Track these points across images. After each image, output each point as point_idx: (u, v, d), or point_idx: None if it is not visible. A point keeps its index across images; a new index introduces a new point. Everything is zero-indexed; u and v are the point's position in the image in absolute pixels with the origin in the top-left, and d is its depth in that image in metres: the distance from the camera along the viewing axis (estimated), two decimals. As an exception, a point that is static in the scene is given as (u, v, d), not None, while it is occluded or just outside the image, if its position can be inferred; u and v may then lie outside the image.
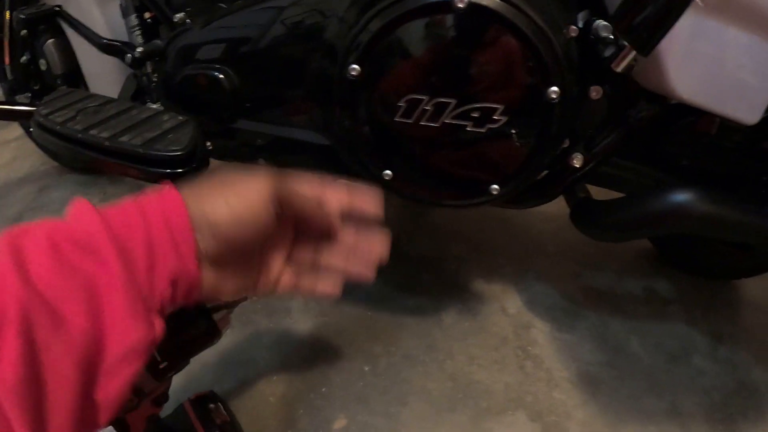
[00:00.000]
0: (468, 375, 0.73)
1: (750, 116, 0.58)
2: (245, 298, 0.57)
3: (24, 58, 1.03)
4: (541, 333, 0.80)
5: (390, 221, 1.02)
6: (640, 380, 0.74)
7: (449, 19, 0.51)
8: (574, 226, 0.70)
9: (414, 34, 0.52)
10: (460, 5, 0.50)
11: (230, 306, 0.57)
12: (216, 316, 0.54)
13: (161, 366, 0.51)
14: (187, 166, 0.61)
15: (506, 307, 0.84)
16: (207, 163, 0.65)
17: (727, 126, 0.68)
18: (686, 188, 0.61)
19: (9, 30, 1.00)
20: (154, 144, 0.61)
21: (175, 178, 0.61)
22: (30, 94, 1.07)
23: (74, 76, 1.01)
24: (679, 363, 0.77)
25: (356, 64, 0.54)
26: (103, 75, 0.94)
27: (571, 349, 0.77)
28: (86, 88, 1.01)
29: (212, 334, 0.53)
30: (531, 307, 0.84)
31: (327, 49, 0.59)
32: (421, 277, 0.90)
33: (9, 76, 1.05)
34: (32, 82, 1.06)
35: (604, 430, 0.68)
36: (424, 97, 0.53)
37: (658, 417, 0.70)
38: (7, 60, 1.03)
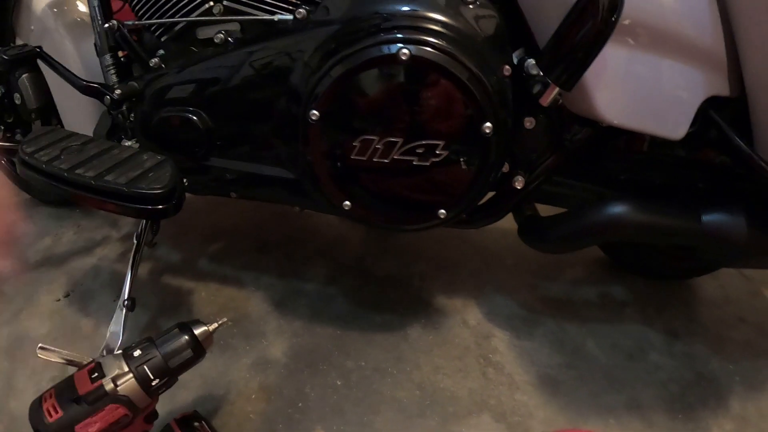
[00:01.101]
0: (434, 383, 0.86)
1: (676, 133, 0.71)
2: (225, 320, 0.71)
3: (-2, 91, 1.14)
4: (501, 341, 0.93)
5: (357, 245, 1.17)
6: (599, 378, 0.86)
7: (395, 69, 0.66)
8: (522, 241, 0.84)
9: (366, 82, 0.67)
10: (404, 57, 0.65)
11: (210, 324, 0.69)
12: (200, 336, 0.67)
13: (153, 383, 0.63)
14: (168, 203, 0.74)
15: (467, 319, 0.98)
16: (183, 199, 0.78)
17: (658, 141, 0.81)
18: (621, 201, 0.75)
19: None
20: (138, 182, 0.73)
21: (156, 214, 0.74)
22: (2, 128, 1.19)
23: (48, 110, 1.13)
24: (637, 360, 0.89)
25: (315, 110, 0.68)
26: (78, 111, 1.06)
27: (530, 355, 0.91)
28: (60, 122, 1.13)
29: (198, 353, 0.66)
30: (491, 318, 0.98)
31: (292, 92, 0.73)
32: (387, 295, 1.03)
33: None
34: (6, 115, 1.17)
35: (566, 426, 0.80)
36: (375, 137, 0.67)
37: (618, 411, 0.82)
38: (-20, 93, 1.14)
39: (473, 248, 1.15)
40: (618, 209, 0.75)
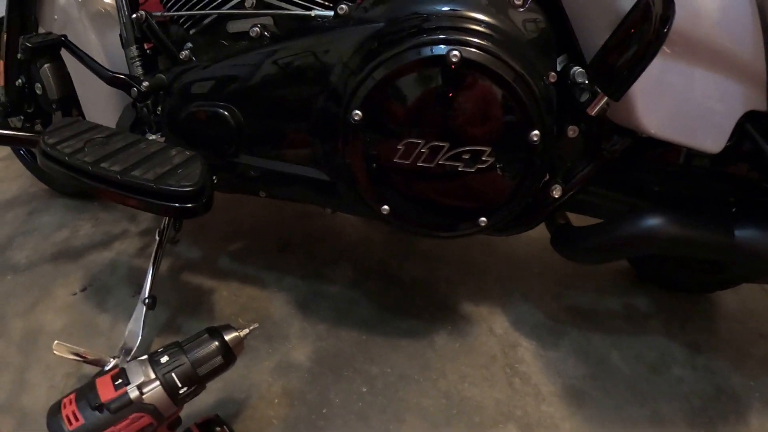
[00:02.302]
0: (460, 392, 0.81)
1: (714, 146, 0.68)
2: (257, 326, 0.65)
3: (19, 81, 1.07)
4: (527, 351, 0.88)
5: (381, 247, 1.11)
6: (622, 391, 0.82)
7: (444, 72, 0.60)
8: (554, 250, 0.79)
9: (412, 84, 0.61)
10: (454, 59, 0.59)
11: (241, 329, 0.63)
12: (230, 342, 0.61)
13: (180, 392, 0.57)
14: (197, 201, 0.67)
15: (494, 327, 0.92)
16: (213, 198, 0.71)
17: (694, 154, 0.77)
18: (655, 213, 0.71)
19: (5, 52, 1.05)
20: (166, 179, 0.66)
21: (185, 213, 0.67)
22: (23, 117, 1.12)
23: (70, 101, 1.06)
24: (659, 373, 0.85)
25: (359, 110, 0.62)
26: (100, 102, 0.99)
27: (556, 365, 0.86)
28: (81, 114, 1.06)
29: (229, 360, 0.60)
30: (517, 326, 0.92)
31: (331, 91, 0.67)
32: (413, 301, 0.97)
33: (2, 98, 1.09)
34: (26, 105, 1.10)
35: None
36: (420, 141, 0.61)
37: (641, 424, 0.78)
38: (1, 82, 1.07)
39: (499, 254, 1.09)
40: (652, 222, 0.71)
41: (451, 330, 0.91)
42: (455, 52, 0.58)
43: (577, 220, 0.80)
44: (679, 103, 0.66)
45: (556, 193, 0.73)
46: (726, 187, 0.80)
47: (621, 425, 0.78)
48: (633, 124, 0.67)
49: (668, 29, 0.57)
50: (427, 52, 0.60)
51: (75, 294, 0.98)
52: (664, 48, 0.62)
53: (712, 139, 0.67)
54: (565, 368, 0.86)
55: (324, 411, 0.77)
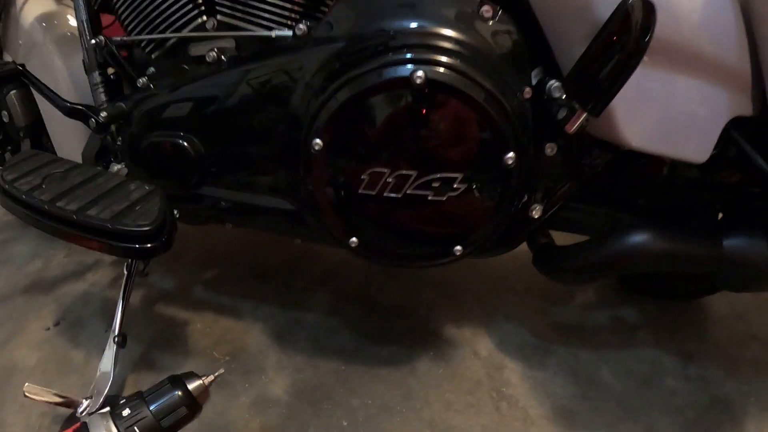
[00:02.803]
0: (446, 421, 0.76)
1: (699, 156, 0.64)
2: (222, 372, 0.60)
3: (-15, 110, 1.02)
4: (513, 373, 0.83)
5: (360, 271, 1.06)
6: (614, 408, 0.78)
7: (407, 94, 0.55)
8: (538, 271, 0.74)
9: (374, 108, 0.56)
10: (418, 81, 0.54)
11: (205, 377, 0.58)
12: (194, 391, 0.56)
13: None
14: (156, 240, 0.62)
15: (478, 350, 0.87)
16: (175, 232, 0.66)
17: (678, 164, 0.73)
18: (640, 229, 0.66)
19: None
20: (123, 218, 0.61)
21: (143, 253, 0.62)
22: (-9, 147, 1.06)
23: (38, 128, 1.01)
24: (652, 386, 0.81)
25: (319, 138, 0.57)
26: (68, 130, 0.93)
27: (544, 386, 0.81)
28: (49, 140, 1.01)
29: (193, 410, 0.55)
30: (502, 347, 0.88)
31: (291, 117, 0.62)
32: (393, 326, 0.92)
33: (-32, 128, 1.04)
34: (-7, 134, 1.05)
35: None
36: (386, 170, 0.56)
37: None
38: (-34, 111, 1.02)
39: (480, 273, 1.04)
40: (637, 239, 0.66)
41: (434, 355, 0.86)
42: (419, 73, 0.53)
43: (561, 236, 0.75)
44: (662, 113, 0.61)
45: (536, 213, 0.69)
46: (713, 195, 0.76)
47: (614, 444, 0.73)
48: (614, 138, 0.62)
49: (649, 38, 0.52)
50: (389, 73, 0.54)
51: (48, 329, 0.93)
52: (646, 58, 0.58)
53: (698, 149, 0.63)
54: (553, 388, 0.81)
55: (304, 447, 0.73)
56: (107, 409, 0.56)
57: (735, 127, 0.64)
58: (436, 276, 1.03)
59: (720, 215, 0.78)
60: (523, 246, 0.76)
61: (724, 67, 0.60)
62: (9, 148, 1.09)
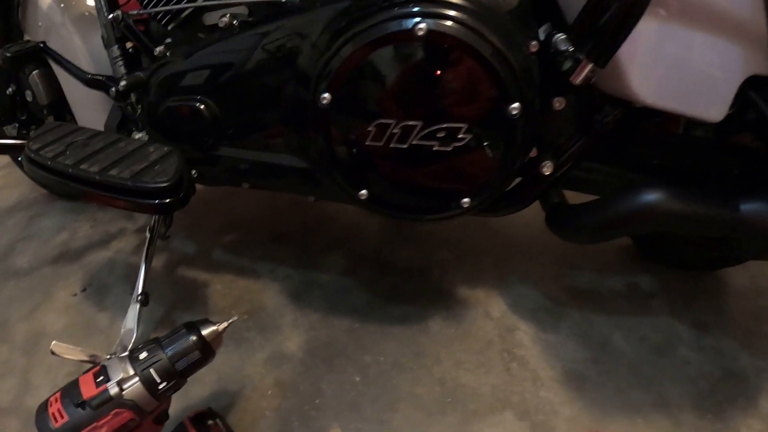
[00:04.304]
0: (455, 379, 0.79)
1: (715, 114, 0.63)
2: (236, 319, 0.64)
3: (9, 89, 1.09)
4: (525, 335, 0.85)
5: (375, 233, 1.09)
6: (625, 374, 0.79)
7: (410, 46, 0.58)
8: (549, 230, 0.76)
9: (379, 62, 0.59)
10: (420, 33, 0.56)
11: (219, 323, 0.63)
12: (207, 337, 0.60)
13: (159, 387, 0.57)
14: (173, 196, 0.66)
15: (490, 311, 0.90)
16: (193, 191, 0.71)
17: (694, 123, 0.73)
18: (654, 188, 0.66)
19: (-7, 62, 1.06)
20: (142, 176, 0.66)
21: (162, 208, 0.67)
22: (17, 124, 1.14)
23: (60, 105, 1.07)
24: (665, 355, 0.81)
25: (327, 92, 0.60)
26: (89, 104, 1.00)
27: (555, 349, 0.83)
28: (72, 116, 1.07)
29: (206, 354, 0.59)
30: (515, 309, 0.90)
31: (300, 76, 0.65)
32: (406, 286, 0.95)
33: (-5, 108, 1.11)
34: (19, 112, 1.12)
35: (592, 425, 0.73)
36: (391, 121, 0.59)
37: (646, 409, 0.74)
38: (-7, 92, 1.09)
39: (496, 236, 1.06)
40: (651, 197, 0.66)
41: (446, 315, 0.89)
42: (421, 25, 0.55)
43: (573, 197, 0.76)
44: (676, 69, 0.61)
45: (547, 170, 0.70)
46: (729, 158, 0.75)
47: (624, 410, 0.74)
48: (626, 94, 0.63)
49: None
50: (393, 26, 0.57)
51: (75, 295, 1.00)
52: (658, 10, 0.58)
53: (713, 107, 0.63)
54: (565, 352, 0.83)
55: (317, 402, 0.77)
56: (126, 353, 0.61)
57: (752, 86, 0.63)
58: (450, 238, 1.06)
59: (738, 179, 0.77)
60: (538, 211, 0.77)
61: (740, 22, 0.60)
62: (33, 126, 1.16)
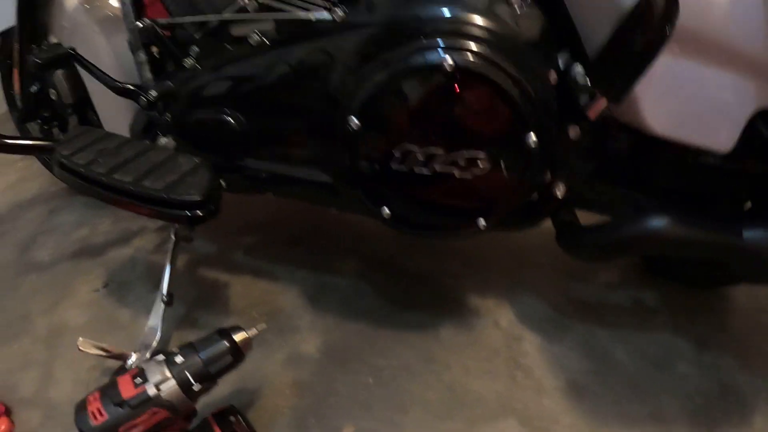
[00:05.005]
0: (464, 385, 0.85)
1: (723, 145, 0.68)
2: (265, 327, 0.70)
3: (33, 87, 1.13)
4: (531, 345, 0.91)
5: (389, 240, 1.15)
6: (624, 387, 0.84)
7: (438, 78, 0.62)
8: (560, 247, 0.81)
9: (407, 91, 0.63)
10: (448, 67, 0.61)
11: (249, 330, 0.69)
12: (239, 342, 0.66)
13: (194, 388, 0.63)
14: (205, 209, 0.72)
15: (499, 320, 0.96)
16: (220, 204, 0.76)
17: (703, 151, 0.78)
18: (661, 213, 0.71)
19: (19, 59, 1.10)
20: (175, 188, 0.71)
21: (193, 220, 0.72)
22: (40, 121, 1.18)
23: (84, 105, 1.11)
24: (664, 369, 0.87)
25: (356, 116, 0.65)
26: (114, 106, 1.03)
27: (559, 359, 0.89)
28: (96, 117, 1.11)
29: (238, 358, 0.66)
30: (522, 320, 0.96)
31: (329, 96, 0.70)
32: (419, 293, 1.01)
33: (19, 104, 1.15)
34: (42, 110, 1.16)
35: None
36: (415, 148, 0.64)
37: (642, 421, 0.80)
38: (17, 89, 1.13)
39: (506, 247, 1.12)
40: (658, 223, 0.70)
41: (456, 323, 0.95)
42: (449, 60, 0.60)
43: (583, 215, 0.81)
44: (687, 101, 0.66)
45: (559, 192, 0.75)
46: (736, 184, 0.79)
47: (620, 421, 0.80)
48: (639, 123, 0.67)
49: (671, 28, 0.57)
50: (421, 58, 0.62)
51: (97, 290, 1.06)
52: (672, 45, 0.62)
53: (722, 139, 0.67)
54: (568, 362, 0.88)
55: (331, 401, 0.83)
56: (162, 356, 0.67)
57: (760, 118, 0.68)
58: (461, 247, 1.11)
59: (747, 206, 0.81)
60: (549, 222, 0.82)
61: (751, 58, 0.63)
62: (56, 123, 1.21)
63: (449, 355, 0.89)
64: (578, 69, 0.66)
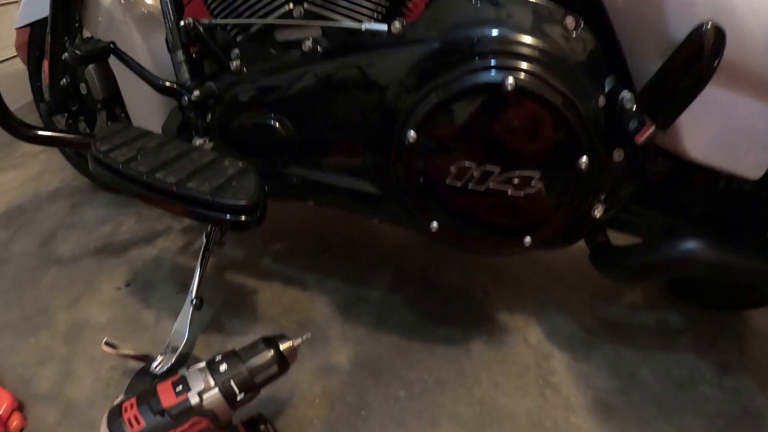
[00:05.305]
0: (494, 400, 0.84)
1: (755, 173, 0.69)
2: (309, 336, 0.68)
3: (63, 80, 1.11)
4: (560, 362, 0.91)
5: (421, 253, 1.14)
6: (650, 406, 0.84)
7: (498, 98, 0.62)
8: (593, 267, 0.81)
9: (466, 109, 0.63)
10: (509, 87, 0.60)
11: (294, 339, 0.67)
12: (285, 351, 0.64)
13: (238, 398, 0.61)
14: (252, 215, 0.70)
15: (528, 337, 0.95)
16: (266, 210, 0.74)
17: (734, 177, 0.78)
18: (695, 237, 0.72)
19: (50, 51, 1.08)
20: (222, 192, 0.69)
21: (239, 226, 0.70)
22: (66, 115, 1.16)
23: (114, 101, 1.09)
24: (687, 390, 0.87)
25: (414, 130, 0.64)
26: (146, 104, 1.02)
27: (587, 378, 0.88)
28: (125, 114, 1.09)
29: (283, 368, 0.64)
30: (551, 337, 0.95)
31: (385, 109, 0.69)
32: (450, 308, 1.00)
33: (47, 96, 1.13)
34: (70, 103, 1.13)
35: None
36: (472, 165, 0.63)
37: None
38: (46, 80, 1.11)
39: (535, 264, 1.12)
40: (691, 246, 0.72)
41: (487, 338, 0.94)
42: (510, 80, 0.60)
43: (614, 236, 0.81)
44: (722, 129, 0.67)
45: (598, 213, 0.75)
46: (763, 210, 0.80)
47: (647, 440, 0.80)
48: (676, 149, 0.68)
49: (719, 61, 0.58)
50: (482, 78, 0.61)
51: (119, 289, 1.03)
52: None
53: (753, 166, 0.69)
54: (595, 381, 0.88)
55: (362, 413, 0.81)
56: (203, 363, 0.65)
57: None
58: (492, 263, 1.11)
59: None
60: (577, 244, 0.82)
61: None
62: (82, 117, 1.18)
63: (480, 370, 0.88)
64: (627, 95, 0.66)
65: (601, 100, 0.67)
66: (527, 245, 0.70)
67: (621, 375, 0.89)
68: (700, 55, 0.58)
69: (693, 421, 0.83)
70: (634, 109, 0.64)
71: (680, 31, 0.59)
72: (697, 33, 0.58)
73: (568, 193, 0.66)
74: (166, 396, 0.61)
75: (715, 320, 1.00)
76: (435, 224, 0.69)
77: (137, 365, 0.86)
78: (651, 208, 0.83)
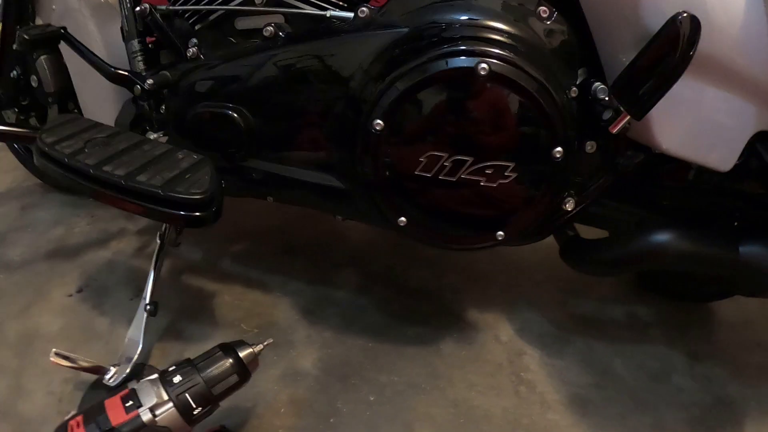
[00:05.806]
0: (468, 401, 0.79)
1: (724, 165, 0.67)
2: (271, 341, 0.62)
3: (14, 72, 1.01)
4: (532, 359, 0.87)
5: (387, 252, 1.08)
6: (625, 399, 0.82)
7: (470, 84, 0.57)
8: (563, 262, 0.77)
9: (437, 96, 0.58)
10: (483, 72, 0.56)
11: (255, 345, 0.60)
12: (245, 359, 0.57)
13: (195, 413, 0.54)
14: (207, 210, 0.63)
15: (499, 335, 0.91)
16: (222, 205, 0.67)
17: (703, 170, 0.77)
18: (664, 229, 0.70)
19: (0, 41, 0.98)
20: (174, 185, 0.62)
21: (193, 222, 0.63)
22: (17, 110, 1.05)
23: (66, 94, 1.00)
24: (661, 381, 0.85)
25: (381, 120, 0.59)
26: (99, 97, 0.93)
27: (560, 373, 0.85)
28: (78, 107, 1.00)
29: (244, 377, 0.57)
30: (522, 334, 0.91)
31: (350, 98, 0.63)
32: (419, 308, 0.95)
33: (-3, 89, 1.02)
34: (21, 97, 1.04)
35: None
36: (444, 154, 0.58)
37: None
38: (-5, 73, 1.01)
39: (503, 261, 1.08)
40: (661, 238, 0.70)
41: (458, 337, 0.89)
42: (484, 65, 0.55)
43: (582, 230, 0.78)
44: (692, 121, 0.65)
45: (569, 206, 0.71)
46: (733, 202, 0.79)
47: (624, 433, 0.77)
48: (648, 141, 0.66)
49: (694, 52, 0.56)
50: (454, 63, 0.56)
51: (71, 295, 0.94)
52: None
53: (722, 158, 0.67)
54: (569, 376, 0.85)
55: (332, 420, 0.75)
56: (156, 375, 0.57)
57: (760, 140, 0.68)
58: (460, 261, 1.06)
59: (736, 222, 0.82)
60: (545, 240, 0.79)
61: (754, 82, 0.63)
62: (33, 113, 1.08)
63: (452, 370, 0.83)
64: (600, 85, 0.63)
65: (574, 91, 0.64)
66: (500, 239, 0.65)
67: (595, 369, 0.86)
68: (677, 45, 0.55)
69: (669, 412, 0.81)
70: (607, 99, 0.61)
71: (653, 22, 0.57)
72: (673, 22, 0.55)
73: (542, 184, 0.62)
74: (115, 413, 0.53)
75: (683, 311, 0.99)
76: (403, 219, 0.64)
77: (91, 377, 0.77)
78: (621, 201, 0.80)
